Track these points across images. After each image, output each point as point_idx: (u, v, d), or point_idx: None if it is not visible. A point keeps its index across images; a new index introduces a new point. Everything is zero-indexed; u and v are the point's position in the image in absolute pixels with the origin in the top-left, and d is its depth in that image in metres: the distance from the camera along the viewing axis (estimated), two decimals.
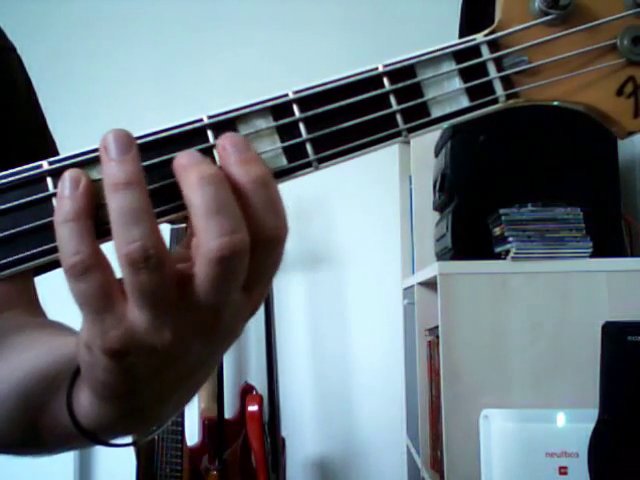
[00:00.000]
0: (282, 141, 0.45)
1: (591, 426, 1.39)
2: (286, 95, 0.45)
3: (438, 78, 0.46)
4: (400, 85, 0.46)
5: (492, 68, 0.47)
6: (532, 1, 0.47)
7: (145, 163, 0.42)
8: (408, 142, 2.35)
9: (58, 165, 0.43)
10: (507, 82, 0.47)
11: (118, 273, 0.42)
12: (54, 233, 0.42)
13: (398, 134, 0.46)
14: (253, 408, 2.41)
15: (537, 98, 0.47)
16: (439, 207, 2.03)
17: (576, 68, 0.47)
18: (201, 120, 0.44)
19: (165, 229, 2.04)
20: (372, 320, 2.71)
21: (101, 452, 2.71)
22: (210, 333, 0.44)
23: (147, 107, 2.67)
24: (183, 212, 0.43)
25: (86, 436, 0.50)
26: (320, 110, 0.45)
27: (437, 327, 1.64)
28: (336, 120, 0.45)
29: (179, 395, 0.49)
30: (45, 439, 0.56)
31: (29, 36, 2.10)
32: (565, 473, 1.48)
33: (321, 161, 0.45)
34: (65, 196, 0.41)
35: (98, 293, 0.41)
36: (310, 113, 0.45)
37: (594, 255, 1.58)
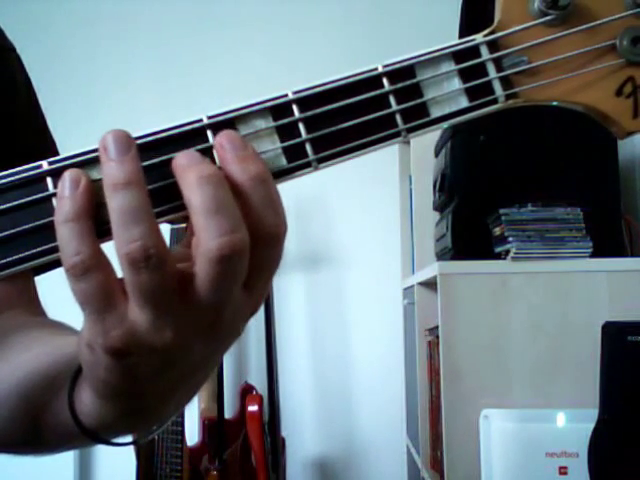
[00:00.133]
0: (282, 141, 0.45)
1: (591, 426, 1.39)
2: (286, 95, 0.45)
3: (438, 78, 0.46)
4: (400, 85, 0.46)
5: (491, 68, 0.47)
6: (532, 1, 0.47)
7: (145, 163, 0.42)
8: (408, 142, 2.35)
9: (58, 165, 0.43)
10: (506, 82, 0.47)
11: (119, 273, 0.42)
12: (54, 233, 0.42)
13: (398, 134, 0.46)
14: (253, 408, 2.41)
15: (537, 98, 0.47)
16: (439, 207, 2.02)
17: (575, 68, 0.47)
18: (201, 120, 0.44)
19: (165, 229, 2.04)
20: (372, 320, 2.71)
21: (101, 452, 2.71)
22: (211, 332, 0.44)
23: (147, 107, 2.67)
24: (183, 212, 0.43)
25: (87, 435, 0.50)
26: (320, 110, 0.45)
27: (437, 327, 1.64)
28: (336, 120, 0.45)
29: (180, 394, 0.49)
30: (46, 438, 0.56)
31: (29, 36, 2.11)
32: (565, 473, 1.48)
33: (321, 161, 0.45)
34: (65, 196, 0.42)
35: (99, 293, 0.41)
36: (310, 113, 0.45)
37: (594, 255, 1.58)
